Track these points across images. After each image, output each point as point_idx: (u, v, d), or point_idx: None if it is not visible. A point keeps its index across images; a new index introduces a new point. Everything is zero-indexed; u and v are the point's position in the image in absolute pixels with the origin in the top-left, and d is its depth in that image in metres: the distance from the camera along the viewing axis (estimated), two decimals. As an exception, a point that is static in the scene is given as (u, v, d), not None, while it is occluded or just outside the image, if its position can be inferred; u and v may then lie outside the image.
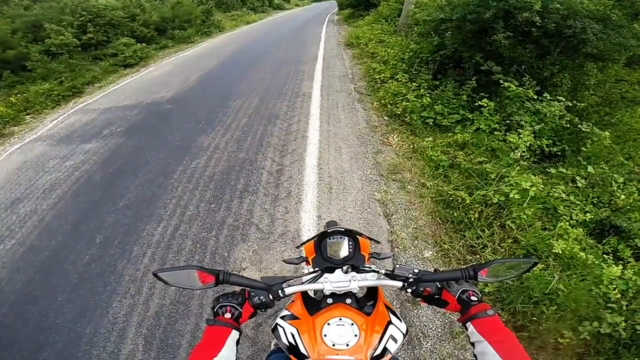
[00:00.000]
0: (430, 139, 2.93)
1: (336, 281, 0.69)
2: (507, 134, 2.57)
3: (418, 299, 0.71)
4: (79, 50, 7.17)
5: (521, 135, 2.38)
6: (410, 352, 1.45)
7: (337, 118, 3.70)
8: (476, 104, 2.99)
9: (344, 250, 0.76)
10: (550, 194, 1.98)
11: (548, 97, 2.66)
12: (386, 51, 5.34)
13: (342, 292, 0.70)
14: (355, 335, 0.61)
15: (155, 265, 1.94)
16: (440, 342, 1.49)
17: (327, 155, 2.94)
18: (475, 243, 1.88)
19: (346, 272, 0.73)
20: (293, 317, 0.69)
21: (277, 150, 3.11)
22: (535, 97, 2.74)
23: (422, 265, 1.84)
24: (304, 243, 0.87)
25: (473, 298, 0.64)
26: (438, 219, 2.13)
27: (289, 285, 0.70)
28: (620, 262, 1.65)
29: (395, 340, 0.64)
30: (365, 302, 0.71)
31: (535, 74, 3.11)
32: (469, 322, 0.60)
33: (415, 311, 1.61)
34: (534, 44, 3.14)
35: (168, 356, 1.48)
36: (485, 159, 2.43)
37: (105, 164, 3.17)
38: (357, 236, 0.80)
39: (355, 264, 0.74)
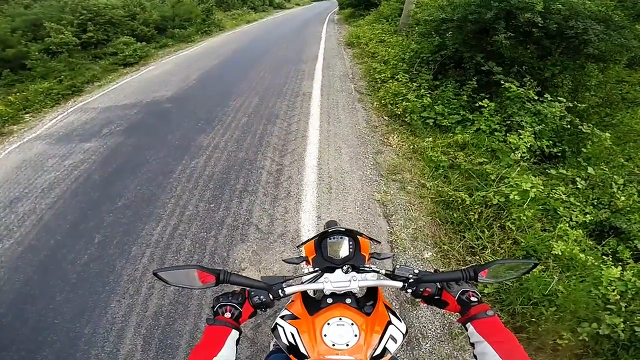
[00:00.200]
0: (430, 139, 2.93)
1: (336, 281, 0.69)
2: (508, 134, 2.56)
3: (418, 300, 0.71)
4: (78, 49, 7.14)
5: (522, 136, 2.37)
6: (409, 352, 1.45)
7: (337, 118, 3.69)
8: (477, 104, 2.98)
9: (344, 250, 0.76)
10: (551, 195, 1.98)
11: (549, 98, 2.66)
12: (387, 51, 5.33)
13: (342, 292, 0.70)
14: (355, 335, 0.61)
15: (154, 265, 1.94)
16: (439, 342, 1.49)
17: (326, 155, 2.94)
18: (475, 244, 1.88)
19: (346, 272, 0.73)
20: (293, 317, 0.69)
21: (277, 150, 3.10)
22: (536, 97, 2.73)
23: (421, 266, 1.83)
24: (304, 243, 0.87)
25: (473, 299, 0.64)
26: (438, 219, 2.12)
27: (289, 285, 0.70)
28: (620, 263, 1.65)
29: (395, 340, 0.64)
30: (365, 302, 0.71)
31: (536, 74, 3.10)
32: (468, 323, 0.60)
33: (415, 312, 1.61)
34: (535, 45, 3.13)
35: (167, 356, 1.48)
36: (485, 160, 2.43)
37: (104, 163, 3.16)
38: (358, 236, 0.80)
39: (355, 264, 0.74)
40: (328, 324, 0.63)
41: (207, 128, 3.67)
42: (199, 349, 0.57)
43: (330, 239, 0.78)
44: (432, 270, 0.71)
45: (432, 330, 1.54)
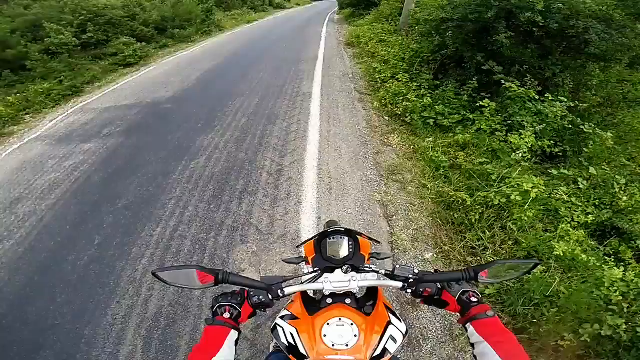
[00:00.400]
0: (430, 139, 2.92)
1: (336, 281, 0.69)
2: (509, 134, 2.55)
3: (418, 300, 0.70)
4: (78, 49, 7.13)
5: (523, 136, 2.36)
6: (410, 354, 1.45)
7: (337, 118, 3.68)
8: (477, 104, 2.97)
9: (344, 250, 0.76)
10: (552, 195, 1.97)
11: (550, 98, 2.65)
12: (387, 51, 5.32)
13: (342, 292, 0.70)
14: (355, 336, 0.61)
15: (154, 267, 1.93)
16: (440, 344, 1.48)
17: (327, 155, 2.93)
18: (476, 245, 1.87)
19: (346, 272, 0.73)
20: (292, 317, 0.69)
21: (277, 150, 3.09)
22: (537, 97, 2.72)
23: (422, 267, 1.83)
24: (303, 243, 0.87)
25: (473, 299, 0.63)
26: (439, 220, 2.12)
27: (289, 285, 0.70)
28: (622, 263, 1.64)
29: (395, 340, 0.63)
30: (365, 302, 0.71)
31: (536, 74, 3.09)
32: (469, 323, 0.60)
33: (415, 313, 1.60)
34: (535, 44, 3.12)
35: (167, 357, 1.48)
36: (486, 160, 2.42)
37: (104, 164, 3.16)
38: (357, 236, 0.80)
39: (355, 264, 0.74)
40: (328, 324, 0.63)
41: (207, 129, 3.66)
42: (198, 350, 0.57)
43: (329, 239, 0.78)
44: (432, 271, 0.71)
45: (433, 331, 1.53)
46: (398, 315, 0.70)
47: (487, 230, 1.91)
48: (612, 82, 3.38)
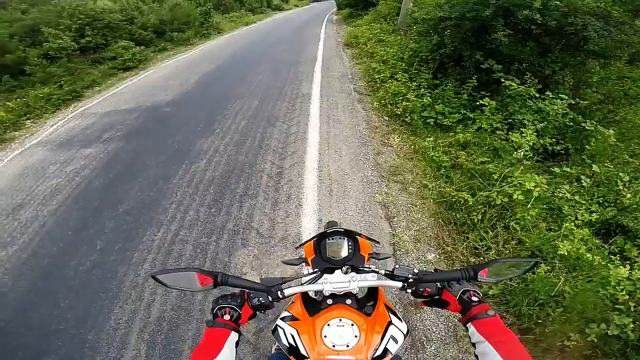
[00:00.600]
0: (431, 139, 2.91)
1: (336, 282, 0.69)
2: (510, 133, 2.54)
3: (418, 301, 0.70)
4: (77, 53, 7.16)
5: (524, 134, 2.35)
6: (413, 356, 1.44)
7: (337, 119, 3.68)
8: (477, 103, 2.96)
9: (344, 251, 0.76)
10: (555, 194, 1.95)
11: (550, 96, 2.64)
12: (385, 50, 5.32)
13: (342, 292, 0.69)
14: (356, 336, 0.61)
15: (156, 271, 1.93)
16: (444, 345, 1.47)
17: (327, 157, 2.92)
18: (479, 245, 1.86)
19: (346, 273, 0.73)
20: (293, 318, 0.69)
21: (277, 152, 3.09)
22: (537, 95, 2.71)
23: (425, 269, 1.82)
24: (303, 244, 0.87)
25: (474, 298, 0.63)
26: (441, 220, 2.11)
27: (289, 287, 0.70)
28: (627, 262, 1.63)
29: (396, 340, 0.63)
30: (366, 303, 0.71)
31: (536, 72, 3.08)
32: (469, 323, 0.59)
33: (419, 315, 1.59)
34: (534, 42, 3.11)
35: (170, 363, 1.47)
36: (487, 159, 2.40)
37: (105, 169, 3.16)
38: (357, 236, 0.80)
39: (354, 264, 0.74)
40: (328, 324, 0.63)
41: (207, 132, 3.66)
42: (199, 351, 0.57)
43: (329, 239, 0.78)
44: (432, 270, 0.71)
45: (437, 332, 1.52)
46: (399, 315, 0.70)
47: (489, 230, 1.89)
48: (612, 79, 3.37)
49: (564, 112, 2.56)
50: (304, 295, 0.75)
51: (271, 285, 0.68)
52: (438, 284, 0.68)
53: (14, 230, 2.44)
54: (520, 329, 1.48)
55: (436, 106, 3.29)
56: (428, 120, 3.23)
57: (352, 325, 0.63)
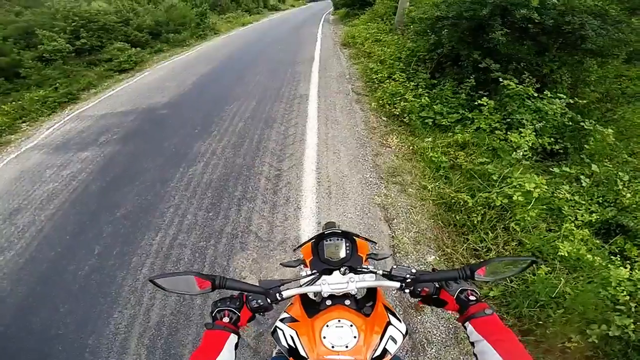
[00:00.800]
0: (430, 139, 2.90)
1: (334, 283, 0.69)
2: (508, 132, 2.53)
3: (417, 300, 0.71)
4: (72, 55, 7.10)
5: (523, 134, 2.34)
6: (414, 358, 1.43)
7: (335, 120, 3.66)
8: (476, 102, 2.95)
9: (342, 252, 0.76)
10: (555, 194, 1.95)
11: (549, 95, 2.63)
12: (383, 50, 5.31)
13: (341, 293, 0.70)
14: (355, 337, 0.61)
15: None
16: (444, 347, 1.47)
17: (325, 158, 2.91)
18: (479, 246, 1.85)
19: (344, 274, 0.73)
20: (292, 320, 0.69)
21: (275, 155, 3.07)
22: (536, 94, 2.70)
23: (423, 269, 1.81)
24: (301, 245, 0.88)
25: (472, 297, 0.63)
26: (440, 222, 2.10)
27: (287, 289, 0.70)
28: (627, 261, 1.63)
29: (395, 340, 0.63)
30: (365, 303, 0.72)
31: (534, 71, 3.08)
32: (467, 322, 0.60)
33: (420, 317, 1.59)
34: (532, 41, 3.10)
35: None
36: (486, 160, 2.39)
37: (102, 173, 3.13)
38: (354, 237, 0.80)
39: (353, 265, 0.75)
40: (327, 325, 0.63)
41: (204, 134, 3.64)
42: (199, 354, 0.58)
43: (327, 241, 0.78)
44: (430, 270, 0.71)
45: (437, 335, 1.52)
46: (398, 315, 0.70)
47: (489, 232, 1.89)
48: (609, 78, 3.37)
49: (563, 111, 2.55)
50: (303, 296, 0.76)
51: (269, 287, 0.68)
52: (436, 283, 0.68)
53: (11, 235, 2.42)
54: (521, 330, 1.48)
55: (434, 106, 3.28)
56: (426, 121, 3.23)
57: (351, 326, 0.63)
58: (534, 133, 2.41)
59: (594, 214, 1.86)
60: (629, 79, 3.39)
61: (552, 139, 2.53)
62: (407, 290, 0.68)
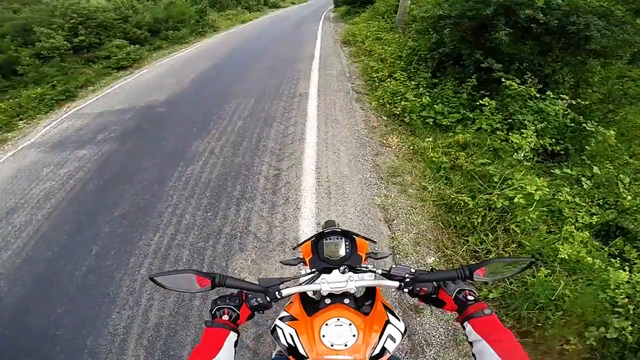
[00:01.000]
0: (430, 139, 2.88)
1: (333, 282, 0.70)
2: (510, 133, 2.52)
3: (415, 299, 0.71)
4: (70, 53, 7.04)
5: (524, 135, 2.33)
6: (413, 360, 1.43)
7: (334, 119, 3.64)
8: (477, 102, 2.93)
9: (341, 251, 0.77)
10: (556, 196, 1.94)
11: (551, 96, 2.61)
12: (383, 49, 5.27)
13: (340, 292, 0.70)
14: (354, 335, 0.62)
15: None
16: (443, 349, 1.47)
17: (325, 158, 2.89)
18: (479, 248, 1.85)
19: (343, 273, 0.73)
20: (291, 318, 0.69)
21: (274, 154, 3.05)
22: (538, 95, 2.69)
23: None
24: (300, 244, 0.87)
25: (470, 297, 0.63)
26: (440, 223, 2.09)
27: (287, 287, 0.70)
28: (627, 263, 1.63)
29: (393, 339, 0.64)
30: (364, 302, 0.72)
31: (536, 71, 3.05)
32: (466, 322, 0.60)
33: (419, 319, 1.58)
34: (534, 41, 3.08)
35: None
36: (487, 160, 2.38)
37: (99, 171, 3.11)
38: (354, 236, 0.80)
39: (352, 264, 0.75)
40: (326, 324, 0.64)
41: (203, 132, 3.62)
42: (198, 351, 0.58)
43: (326, 239, 0.78)
44: (429, 270, 0.71)
45: (437, 337, 1.52)
46: (397, 314, 0.71)
47: (489, 233, 1.88)
48: (612, 79, 3.34)
49: (565, 112, 2.54)
50: (302, 295, 0.76)
51: (269, 285, 0.68)
52: (434, 283, 0.69)
53: (7, 234, 2.41)
54: (519, 332, 1.47)
55: (435, 106, 3.26)
56: (427, 120, 3.21)
57: (350, 324, 0.63)
58: (535, 134, 2.39)
59: (594, 216, 1.85)
60: (632, 79, 3.37)
61: (553, 140, 2.52)
62: (405, 290, 0.68)
